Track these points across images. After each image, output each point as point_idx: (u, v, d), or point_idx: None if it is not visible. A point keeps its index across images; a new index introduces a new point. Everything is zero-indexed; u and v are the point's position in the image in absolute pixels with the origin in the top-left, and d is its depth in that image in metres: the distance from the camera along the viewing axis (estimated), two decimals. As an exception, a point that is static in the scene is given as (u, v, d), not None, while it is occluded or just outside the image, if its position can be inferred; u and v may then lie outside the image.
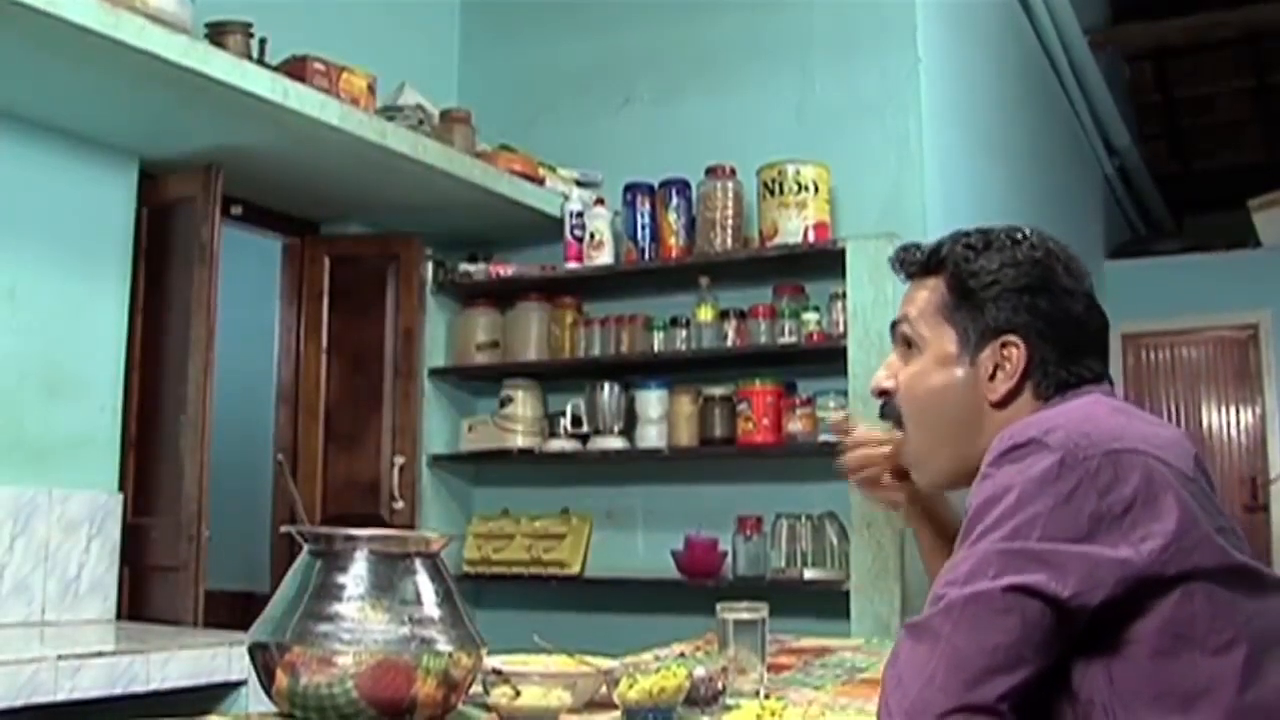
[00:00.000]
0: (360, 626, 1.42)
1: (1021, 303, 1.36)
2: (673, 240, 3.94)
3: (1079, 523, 1.13)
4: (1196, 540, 1.14)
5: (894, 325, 1.48)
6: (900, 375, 1.47)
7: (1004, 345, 1.36)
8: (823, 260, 3.66)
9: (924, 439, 1.45)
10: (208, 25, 2.99)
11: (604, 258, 4.02)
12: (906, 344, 1.45)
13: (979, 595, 1.12)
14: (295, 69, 3.18)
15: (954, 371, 1.40)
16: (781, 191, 3.77)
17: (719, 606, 1.81)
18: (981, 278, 1.38)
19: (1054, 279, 1.37)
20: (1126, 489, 1.14)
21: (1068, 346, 1.36)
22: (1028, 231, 1.42)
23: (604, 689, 1.60)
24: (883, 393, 1.49)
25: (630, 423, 4.01)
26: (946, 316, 1.41)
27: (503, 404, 4.13)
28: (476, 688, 1.53)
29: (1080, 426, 1.19)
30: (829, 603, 3.47)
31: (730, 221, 3.88)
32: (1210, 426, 7.93)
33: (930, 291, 1.43)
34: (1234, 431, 7.90)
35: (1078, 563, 1.12)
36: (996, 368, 1.36)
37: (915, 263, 1.47)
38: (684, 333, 3.91)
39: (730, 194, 3.89)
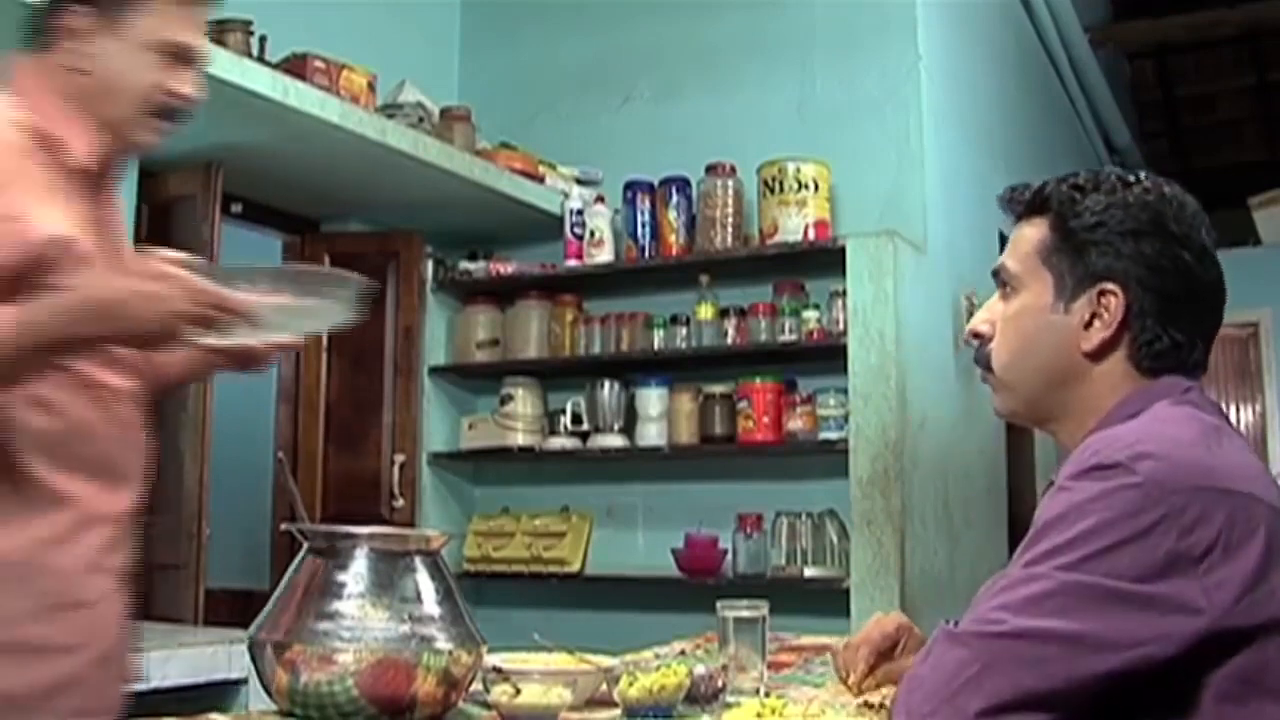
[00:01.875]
0: (360, 624, 1.42)
1: (1125, 248, 1.28)
2: (673, 238, 3.94)
3: (1154, 560, 1.09)
4: (1274, 588, 1.10)
5: (996, 269, 1.41)
6: (996, 318, 1.39)
7: (1102, 294, 1.28)
8: (823, 258, 3.66)
9: (1013, 378, 1.37)
10: (207, 23, 2.99)
11: (604, 256, 4.02)
12: (1004, 285, 1.39)
13: (1030, 634, 1.09)
14: (295, 67, 3.18)
15: (1047, 318, 1.32)
16: (782, 189, 3.77)
17: (719, 604, 1.81)
18: (1085, 219, 1.30)
19: (1164, 224, 1.28)
20: (1209, 531, 1.10)
21: (1170, 298, 1.27)
22: (1142, 175, 1.34)
23: (604, 687, 1.60)
24: (976, 335, 1.40)
25: (630, 421, 4.01)
26: (1044, 259, 1.33)
27: (503, 402, 4.13)
28: (477, 685, 1.53)
29: (1171, 454, 1.14)
30: (829, 600, 3.47)
31: (730, 219, 3.88)
32: (1210, 424, 7.93)
33: (1033, 231, 1.36)
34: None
35: (1144, 613, 1.08)
36: (1094, 316, 1.29)
37: (1021, 201, 1.39)
38: (684, 330, 3.91)
39: (730, 192, 3.89)
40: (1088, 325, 1.30)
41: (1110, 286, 1.28)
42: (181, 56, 1.66)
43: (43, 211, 1.55)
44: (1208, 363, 1.32)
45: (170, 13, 1.65)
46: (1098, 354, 1.30)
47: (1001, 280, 1.39)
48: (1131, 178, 1.33)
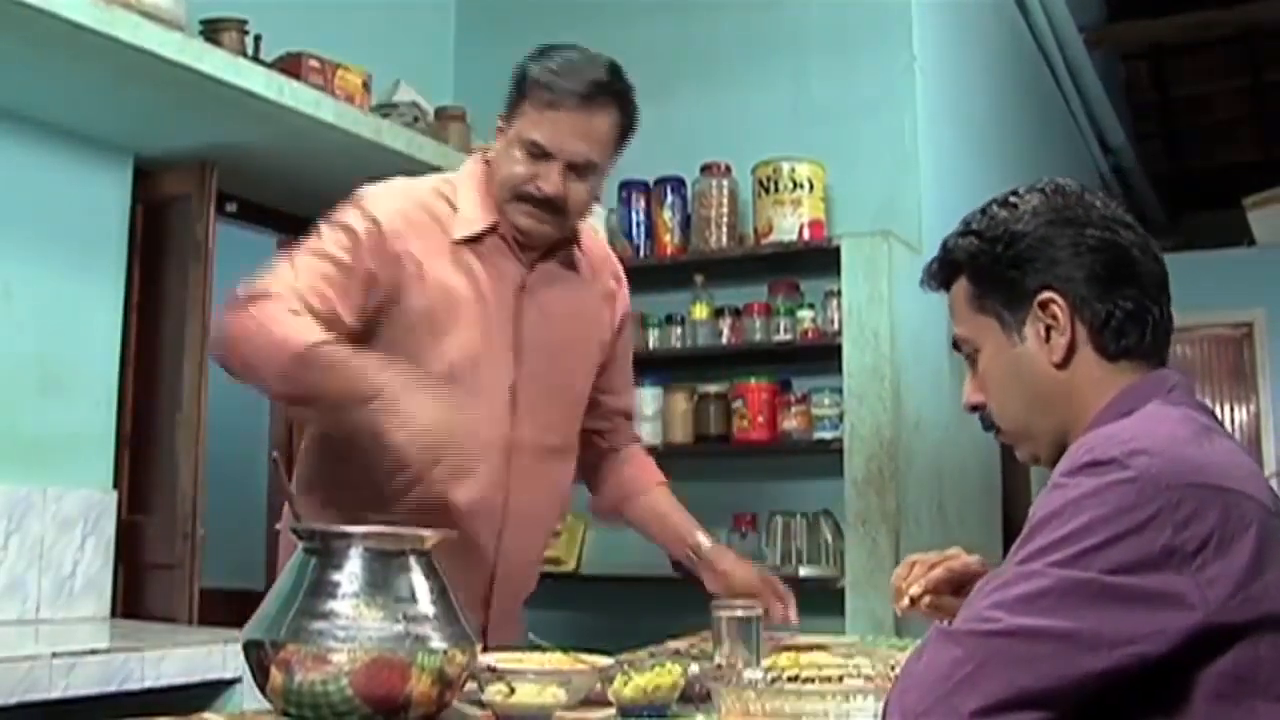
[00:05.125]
0: (355, 624, 1.42)
1: (1040, 257, 1.31)
2: (668, 238, 3.94)
3: (1149, 555, 1.09)
4: (1268, 586, 1.11)
5: (954, 343, 1.45)
6: (979, 384, 1.42)
7: (1042, 305, 1.31)
8: (818, 258, 3.67)
9: (1015, 426, 1.40)
10: (202, 22, 2.99)
11: (599, 255, 4.02)
12: (966, 352, 1.42)
13: (1024, 632, 1.09)
14: (290, 66, 3.18)
15: (1011, 355, 1.35)
16: (777, 189, 3.78)
17: (714, 604, 1.81)
18: (992, 253, 1.35)
19: (1060, 215, 1.32)
20: (1203, 527, 1.10)
21: (1100, 275, 1.30)
22: (1020, 189, 1.38)
23: (599, 686, 1.60)
24: (974, 407, 1.44)
25: (625, 420, 4.00)
26: (979, 309, 1.37)
27: (498, 402, 4.13)
28: (471, 685, 1.53)
29: (1165, 451, 1.15)
30: (824, 600, 3.46)
31: (725, 219, 3.88)
32: (1205, 425, 7.95)
33: (958, 291, 1.40)
34: (1229, 429, 7.91)
35: (1138, 609, 1.08)
36: (1049, 329, 1.32)
37: (935, 275, 1.44)
38: (679, 330, 3.91)
39: (725, 192, 3.90)
40: (1047, 340, 1.32)
41: (1046, 295, 1.32)
42: (537, 153, 1.94)
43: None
44: (1170, 330, 1.35)
45: (532, 116, 1.94)
46: (1066, 360, 1.32)
47: (963, 349, 1.43)
48: (1012, 196, 1.38)
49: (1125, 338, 1.31)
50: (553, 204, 1.96)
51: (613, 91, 1.97)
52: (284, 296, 1.89)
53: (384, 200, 2.00)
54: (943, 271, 1.43)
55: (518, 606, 2.23)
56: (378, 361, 1.79)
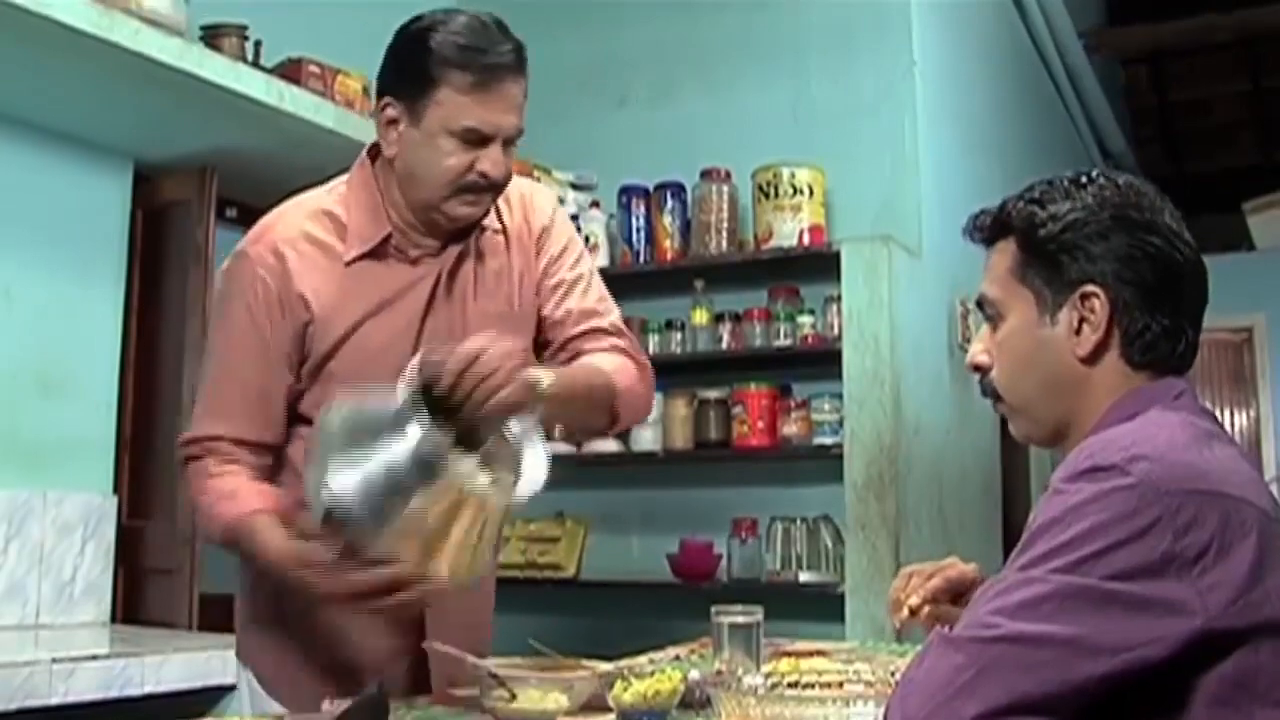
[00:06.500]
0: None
1: (1096, 249, 1.29)
2: (668, 243, 3.95)
3: (1150, 561, 1.09)
4: (1268, 592, 1.11)
5: (979, 300, 1.42)
6: (991, 347, 1.40)
7: (1084, 297, 1.29)
8: (818, 263, 3.67)
9: (1020, 401, 1.38)
10: (202, 28, 2.99)
11: (599, 261, 4.01)
12: (990, 313, 1.40)
13: (1024, 638, 1.09)
14: (290, 71, 3.18)
15: (1037, 334, 1.33)
16: (776, 194, 3.78)
17: (714, 609, 1.81)
18: (1049, 230, 1.31)
19: (1127, 215, 1.30)
20: (1203, 533, 1.10)
21: (1149, 285, 1.29)
22: (1094, 174, 1.35)
23: (599, 691, 1.60)
24: (977, 368, 1.41)
25: (625, 425, 4.00)
26: (1020, 278, 1.34)
27: (498, 406, 4.12)
28: (473, 691, 1.53)
29: (1165, 457, 1.15)
30: (824, 605, 3.47)
31: (725, 224, 3.88)
32: (1205, 429, 7.94)
33: (1003, 253, 1.37)
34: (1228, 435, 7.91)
35: (1138, 616, 1.08)
36: (1082, 321, 1.30)
37: (984, 228, 1.41)
38: (679, 335, 3.91)
39: (725, 197, 3.90)
40: (1077, 331, 1.31)
41: (1090, 289, 1.29)
42: (473, 139, 1.77)
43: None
44: (1197, 348, 1.33)
45: (458, 100, 1.76)
46: (1093, 357, 1.31)
47: (986, 309, 1.40)
48: (1084, 178, 1.35)
49: (1153, 352, 1.30)
50: (496, 185, 1.82)
51: (522, 47, 1.86)
52: (215, 448, 1.80)
53: (268, 247, 1.83)
54: (993, 229, 1.40)
55: (478, 633, 1.95)
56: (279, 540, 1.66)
